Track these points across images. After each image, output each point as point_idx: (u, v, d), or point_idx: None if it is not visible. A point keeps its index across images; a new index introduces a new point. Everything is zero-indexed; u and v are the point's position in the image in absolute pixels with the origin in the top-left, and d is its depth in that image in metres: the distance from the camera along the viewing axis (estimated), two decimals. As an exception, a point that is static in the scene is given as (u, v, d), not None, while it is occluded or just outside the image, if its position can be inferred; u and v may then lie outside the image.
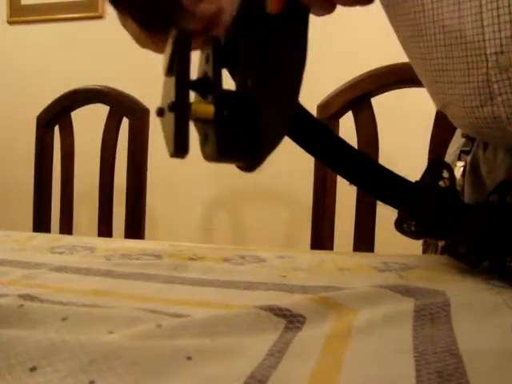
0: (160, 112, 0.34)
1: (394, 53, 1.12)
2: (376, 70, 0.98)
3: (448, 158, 0.64)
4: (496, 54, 0.42)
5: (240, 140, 0.36)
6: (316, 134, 0.49)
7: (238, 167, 0.38)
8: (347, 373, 0.27)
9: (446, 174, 0.48)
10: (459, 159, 0.61)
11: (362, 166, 0.50)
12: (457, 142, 0.63)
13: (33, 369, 0.26)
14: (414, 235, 0.49)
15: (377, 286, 0.41)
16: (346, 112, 0.99)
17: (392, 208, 0.50)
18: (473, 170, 0.58)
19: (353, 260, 0.55)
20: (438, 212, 0.46)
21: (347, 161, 0.50)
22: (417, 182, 0.50)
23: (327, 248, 0.99)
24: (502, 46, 0.41)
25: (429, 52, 0.48)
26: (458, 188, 0.59)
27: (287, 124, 0.39)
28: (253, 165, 0.37)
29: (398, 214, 0.49)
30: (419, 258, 0.57)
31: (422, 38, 0.47)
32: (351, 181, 0.50)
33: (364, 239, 0.97)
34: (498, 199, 0.44)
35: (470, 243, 0.44)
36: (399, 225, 0.48)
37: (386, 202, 0.50)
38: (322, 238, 1.00)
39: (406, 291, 0.40)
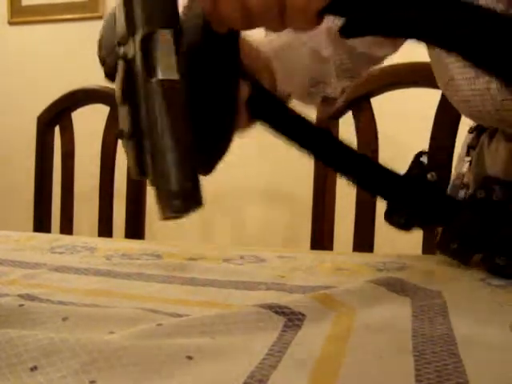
0: (120, 135, 0.38)
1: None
2: (376, 70, 0.98)
3: (458, 156, 0.67)
4: None
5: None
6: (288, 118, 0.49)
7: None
8: (347, 373, 0.27)
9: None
10: (467, 154, 0.62)
11: (349, 157, 0.49)
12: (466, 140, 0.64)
13: (33, 368, 0.26)
14: (404, 227, 0.49)
15: (374, 283, 0.41)
16: (346, 112, 0.99)
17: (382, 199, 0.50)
18: (477, 163, 0.59)
19: (352, 260, 0.55)
20: (426, 204, 0.46)
21: (332, 150, 0.49)
22: (405, 174, 0.50)
23: (327, 248, 0.99)
24: None
25: None
26: (466, 180, 0.60)
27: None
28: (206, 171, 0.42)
29: (387, 205, 0.49)
30: (417, 257, 0.57)
31: None
32: (339, 171, 0.50)
33: (363, 239, 0.97)
34: (484, 195, 0.45)
35: (460, 240, 0.46)
36: (388, 216, 0.49)
37: (376, 193, 0.50)
38: (321, 238, 1.00)
39: (402, 290, 0.40)
